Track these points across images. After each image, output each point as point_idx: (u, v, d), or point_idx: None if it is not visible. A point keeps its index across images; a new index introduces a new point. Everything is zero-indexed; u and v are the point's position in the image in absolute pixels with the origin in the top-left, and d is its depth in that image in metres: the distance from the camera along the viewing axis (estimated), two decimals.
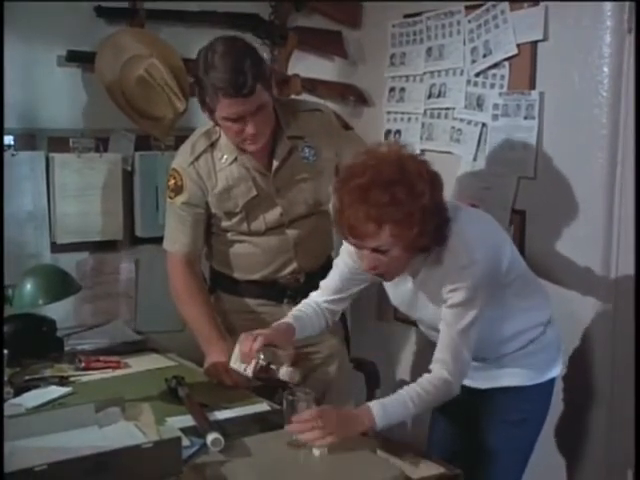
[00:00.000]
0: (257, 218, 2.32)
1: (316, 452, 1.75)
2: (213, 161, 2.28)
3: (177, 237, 2.34)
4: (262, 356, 1.89)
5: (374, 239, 1.80)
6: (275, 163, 2.27)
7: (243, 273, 2.40)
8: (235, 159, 2.27)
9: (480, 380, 2.13)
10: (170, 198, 2.33)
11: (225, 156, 2.27)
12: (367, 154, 1.87)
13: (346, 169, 1.89)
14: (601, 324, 2.43)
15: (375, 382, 2.84)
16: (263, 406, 2.04)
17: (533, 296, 2.11)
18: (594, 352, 2.45)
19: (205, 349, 2.27)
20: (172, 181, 2.31)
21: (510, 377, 2.09)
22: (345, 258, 2.06)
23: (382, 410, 1.82)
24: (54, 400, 2.06)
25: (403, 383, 3.07)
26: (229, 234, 2.36)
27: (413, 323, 2.97)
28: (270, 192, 2.30)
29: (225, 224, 2.34)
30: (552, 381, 2.15)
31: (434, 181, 1.84)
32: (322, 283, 2.14)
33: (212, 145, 2.28)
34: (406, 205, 1.77)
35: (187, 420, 1.91)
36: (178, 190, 2.30)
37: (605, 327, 2.42)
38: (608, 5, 2.32)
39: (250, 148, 2.21)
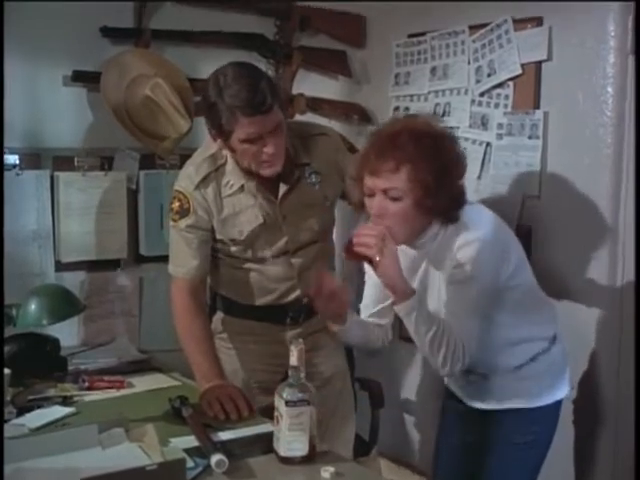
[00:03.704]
0: (262, 246, 2.28)
1: (324, 474, 1.74)
2: (219, 187, 2.23)
3: (183, 260, 2.27)
4: None
5: (390, 179, 1.85)
6: (282, 190, 2.23)
7: (246, 299, 2.37)
8: (242, 186, 2.23)
9: (486, 401, 2.12)
10: (174, 221, 2.26)
11: (232, 182, 2.23)
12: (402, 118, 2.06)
13: (379, 125, 2.00)
14: (607, 343, 2.43)
15: (379, 402, 2.83)
16: (267, 427, 2.02)
17: (539, 309, 2.11)
18: (600, 372, 2.44)
19: (201, 385, 2.17)
20: (177, 203, 2.25)
21: (516, 399, 2.08)
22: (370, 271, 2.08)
23: (419, 299, 1.88)
24: (57, 420, 2.05)
25: (407, 402, 3.10)
26: (233, 260, 2.32)
27: None
28: (277, 219, 2.25)
29: (230, 250, 2.30)
30: (559, 403, 2.13)
31: (460, 155, 1.94)
32: (361, 305, 2.14)
33: (217, 170, 2.23)
34: (429, 155, 1.85)
35: (191, 441, 1.89)
36: (184, 213, 2.24)
37: (611, 346, 2.42)
38: (611, 26, 2.33)
39: (267, 172, 2.16)
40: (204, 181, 2.23)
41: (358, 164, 1.95)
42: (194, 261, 2.27)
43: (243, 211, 2.24)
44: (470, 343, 1.89)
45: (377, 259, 1.83)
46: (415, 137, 1.87)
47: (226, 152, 2.22)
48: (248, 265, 2.32)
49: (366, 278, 2.13)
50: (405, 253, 1.95)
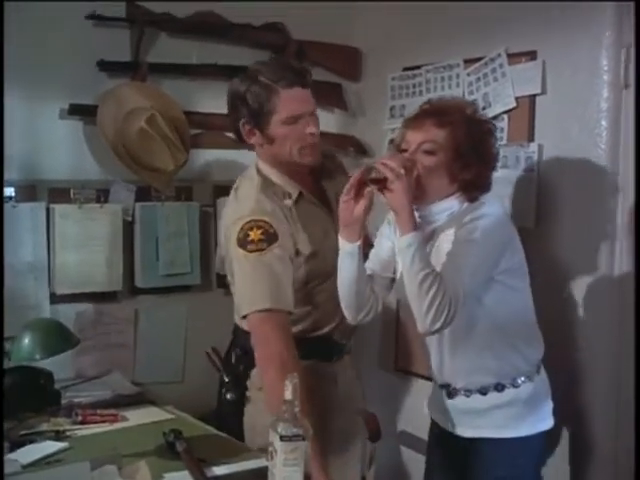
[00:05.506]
0: (329, 257, 2.12)
1: None
2: (281, 203, 2.14)
3: (277, 294, 2.02)
4: None
5: (429, 131, 1.96)
6: (332, 198, 2.21)
7: (313, 326, 2.21)
8: (300, 193, 2.16)
9: (467, 427, 2.11)
10: (261, 250, 2.03)
11: (289, 192, 2.15)
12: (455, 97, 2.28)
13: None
14: (606, 374, 2.41)
15: (376, 435, 2.81)
16: (262, 461, 2.01)
17: (531, 329, 2.13)
18: (598, 405, 2.42)
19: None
20: (258, 231, 2.04)
21: (497, 429, 2.07)
22: (381, 238, 2.15)
23: (421, 239, 1.89)
24: (50, 455, 2.03)
25: (404, 434, 3.08)
26: (308, 285, 2.17)
27: (414, 374, 2.97)
28: (334, 228, 2.13)
29: (304, 269, 2.15)
30: (542, 435, 2.12)
31: (495, 148, 2.07)
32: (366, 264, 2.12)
33: (274, 187, 2.16)
34: (469, 131, 1.97)
35: (185, 476, 1.89)
36: (272, 238, 2.03)
37: (611, 380, 2.40)
38: (604, 60, 2.35)
39: (309, 160, 2.13)
40: (273, 201, 2.12)
41: (403, 122, 2.07)
42: (288, 292, 2.05)
43: (309, 222, 2.18)
44: (457, 299, 1.87)
45: (392, 181, 1.86)
46: (461, 113, 2.01)
47: (264, 166, 2.18)
48: (321, 286, 2.19)
49: (370, 253, 2.16)
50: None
